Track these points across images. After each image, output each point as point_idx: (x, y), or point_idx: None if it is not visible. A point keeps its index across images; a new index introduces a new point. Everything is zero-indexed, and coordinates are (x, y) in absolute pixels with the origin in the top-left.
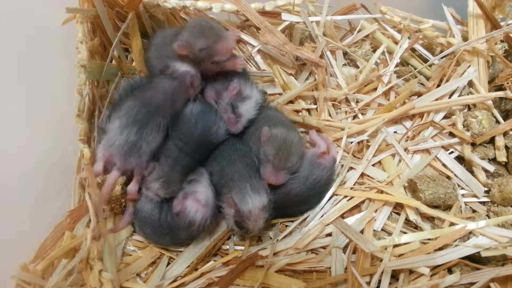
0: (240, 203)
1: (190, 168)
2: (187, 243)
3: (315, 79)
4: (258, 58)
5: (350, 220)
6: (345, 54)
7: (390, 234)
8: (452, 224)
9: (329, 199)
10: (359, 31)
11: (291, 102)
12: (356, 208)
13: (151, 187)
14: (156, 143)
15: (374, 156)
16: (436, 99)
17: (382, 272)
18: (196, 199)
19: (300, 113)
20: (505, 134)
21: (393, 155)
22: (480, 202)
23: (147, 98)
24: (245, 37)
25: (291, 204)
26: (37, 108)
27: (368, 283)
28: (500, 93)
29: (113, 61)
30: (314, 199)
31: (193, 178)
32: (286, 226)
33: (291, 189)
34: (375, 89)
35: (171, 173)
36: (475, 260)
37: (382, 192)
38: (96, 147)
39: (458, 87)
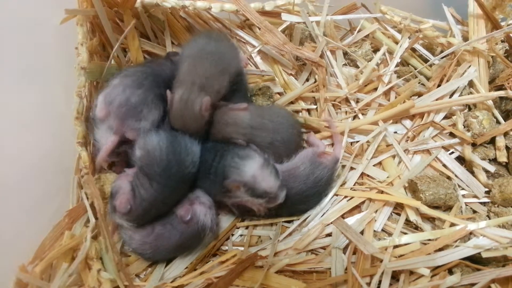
0: (240, 175)
1: (165, 209)
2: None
3: (315, 80)
4: (258, 58)
5: (350, 221)
6: (345, 54)
7: (390, 234)
8: (452, 224)
9: (329, 199)
10: (359, 31)
11: (291, 102)
12: (356, 208)
13: (119, 220)
14: (159, 112)
15: (375, 157)
16: (437, 99)
17: (382, 273)
18: (202, 202)
19: (300, 114)
20: (505, 134)
21: (394, 156)
22: (481, 203)
23: (156, 70)
24: (245, 36)
25: (290, 203)
26: (35, 108)
27: (369, 284)
28: (501, 93)
29: (113, 61)
30: (314, 199)
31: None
32: (287, 227)
33: (292, 187)
34: (375, 89)
35: (143, 216)
36: (476, 261)
37: (382, 192)
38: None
39: (458, 87)
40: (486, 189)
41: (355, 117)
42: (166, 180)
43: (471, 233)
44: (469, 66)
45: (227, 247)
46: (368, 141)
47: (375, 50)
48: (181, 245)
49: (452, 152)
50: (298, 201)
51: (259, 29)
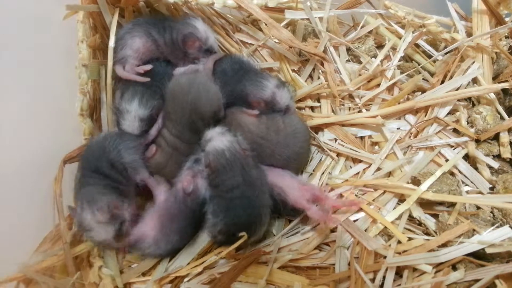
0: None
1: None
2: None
3: (319, 77)
4: (264, 51)
5: (354, 217)
6: (348, 50)
7: None
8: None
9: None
10: (362, 26)
11: (299, 100)
12: None
13: None
14: None
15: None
16: None
17: (386, 269)
18: (204, 177)
19: (303, 111)
20: (509, 130)
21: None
22: None
23: None
24: (248, 32)
25: None
26: (38, 105)
27: (372, 280)
28: (505, 85)
29: None
30: None
31: (198, 157)
32: (290, 221)
33: None
34: (379, 85)
35: None
36: (480, 257)
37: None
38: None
39: (462, 84)
40: (490, 185)
41: (358, 112)
42: (86, 173)
43: (474, 229)
44: (473, 62)
45: None
46: (370, 136)
47: (379, 46)
48: (187, 226)
49: (456, 148)
50: None
51: (266, 24)
